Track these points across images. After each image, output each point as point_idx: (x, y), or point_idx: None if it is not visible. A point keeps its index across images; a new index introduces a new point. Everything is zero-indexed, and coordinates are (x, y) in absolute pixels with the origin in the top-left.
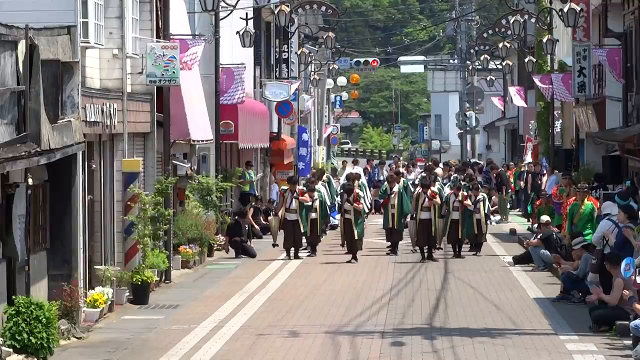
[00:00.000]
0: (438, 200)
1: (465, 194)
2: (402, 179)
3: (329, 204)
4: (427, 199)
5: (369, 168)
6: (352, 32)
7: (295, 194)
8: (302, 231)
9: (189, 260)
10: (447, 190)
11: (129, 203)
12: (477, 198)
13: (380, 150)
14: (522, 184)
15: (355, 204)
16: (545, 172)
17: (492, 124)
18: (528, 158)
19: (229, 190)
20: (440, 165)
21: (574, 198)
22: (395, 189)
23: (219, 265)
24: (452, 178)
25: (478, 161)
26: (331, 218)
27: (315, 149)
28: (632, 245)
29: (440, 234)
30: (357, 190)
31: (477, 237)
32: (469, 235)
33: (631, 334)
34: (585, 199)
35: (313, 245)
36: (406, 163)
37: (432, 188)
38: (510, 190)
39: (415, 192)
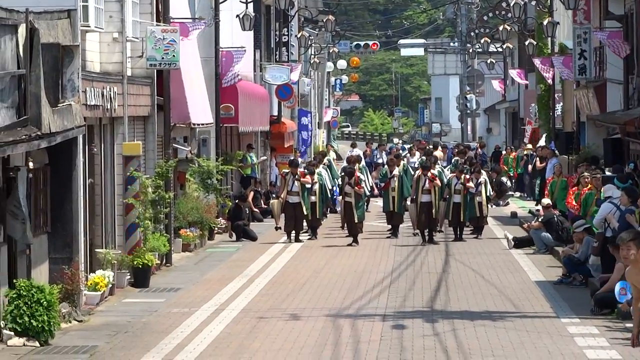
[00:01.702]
0: (438, 182)
1: (467, 176)
2: (402, 162)
3: (329, 187)
4: (427, 182)
5: (368, 151)
6: (352, 15)
7: (297, 176)
8: (305, 213)
9: (189, 243)
10: (447, 174)
11: (130, 202)
12: (479, 181)
13: (380, 133)
14: (529, 167)
15: (356, 188)
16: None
17: (492, 107)
18: (526, 141)
19: (230, 174)
20: (439, 148)
21: (589, 187)
22: (396, 172)
23: (220, 249)
24: (452, 161)
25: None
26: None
27: (316, 132)
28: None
29: (441, 217)
30: (358, 173)
31: (479, 220)
32: (471, 218)
33: (632, 317)
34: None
35: (314, 229)
36: (409, 146)
37: (432, 171)
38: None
39: (416, 175)
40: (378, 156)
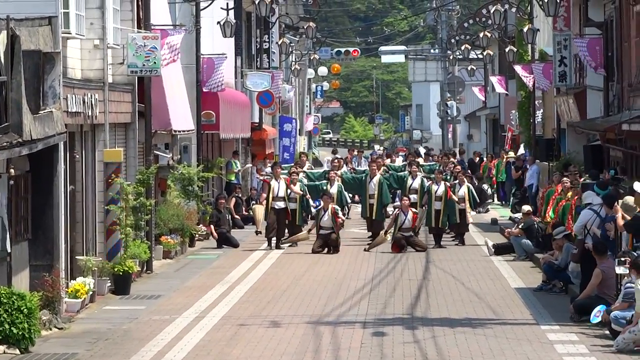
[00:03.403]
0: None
1: (449, 184)
2: (382, 167)
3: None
4: (441, 188)
5: (349, 157)
6: (332, 22)
7: (283, 181)
8: (298, 224)
9: (170, 250)
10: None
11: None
12: (461, 188)
13: (361, 140)
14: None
15: (337, 221)
16: (527, 165)
17: (473, 114)
18: (507, 148)
19: (211, 181)
20: (422, 154)
21: (568, 194)
22: (376, 179)
23: (201, 256)
24: (431, 167)
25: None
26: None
27: (298, 139)
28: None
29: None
30: (331, 205)
31: (460, 227)
32: (451, 224)
33: (612, 324)
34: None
35: (294, 234)
36: (388, 152)
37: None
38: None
39: (429, 183)
40: (356, 163)
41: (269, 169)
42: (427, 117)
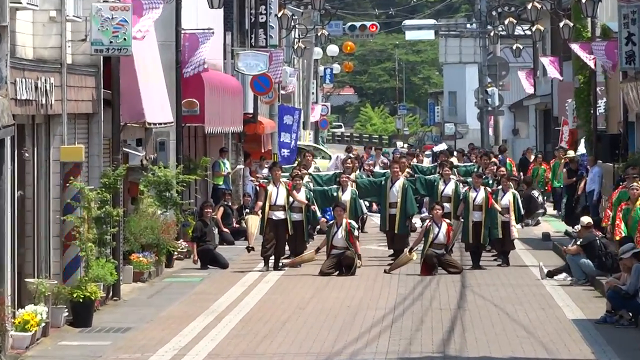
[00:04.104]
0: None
1: (490, 190)
2: (407, 169)
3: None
4: (481, 195)
5: (365, 156)
6: None
7: (284, 186)
8: (290, 233)
9: (142, 271)
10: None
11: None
12: (505, 195)
13: (381, 135)
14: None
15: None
16: (584, 166)
17: (519, 103)
18: (565, 145)
19: (193, 185)
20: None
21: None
22: (398, 184)
23: (181, 279)
24: (468, 168)
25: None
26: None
27: (300, 134)
28: None
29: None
30: (347, 219)
31: (504, 244)
32: (493, 241)
33: None
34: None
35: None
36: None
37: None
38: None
39: (465, 189)
40: (374, 164)
41: (265, 171)
42: (462, 108)
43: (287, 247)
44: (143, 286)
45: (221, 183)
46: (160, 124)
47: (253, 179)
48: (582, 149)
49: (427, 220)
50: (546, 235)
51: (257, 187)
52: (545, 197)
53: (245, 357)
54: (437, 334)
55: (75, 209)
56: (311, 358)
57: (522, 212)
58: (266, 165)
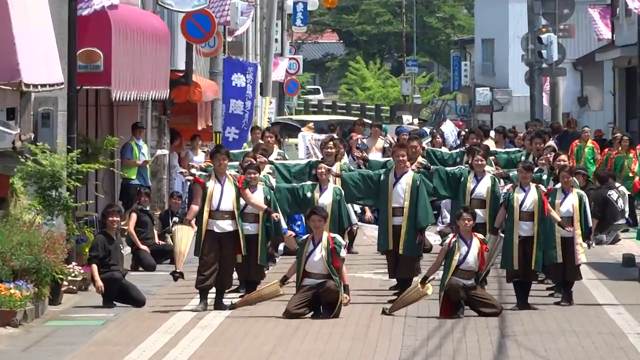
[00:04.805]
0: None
1: (545, 190)
2: (419, 157)
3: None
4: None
5: (355, 136)
6: None
7: (231, 181)
8: (259, 263)
9: (14, 310)
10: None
11: None
12: (566, 198)
13: (378, 104)
14: None
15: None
16: None
17: (589, 58)
18: None
19: (93, 179)
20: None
21: None
22: (406, 179)
23: (73, 321)
24: (511, 156)
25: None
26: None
27: (258, 102)
28: None
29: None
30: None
31: (566, 272)
32: (548, 266)
33: None
34: None
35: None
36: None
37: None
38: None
39: (507, 188)
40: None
41: (201, 159)
42: (502, 64)
43: (235, 275)
44: (15, 333)
45: (134, 177)
46: (44, 86)
47: (184, 170)
48: None
49: (450, 236)
50: (629, 258)
51: (191, 184)
52: (629, 202)
53: None
54: None
55: None
56: None
57: (592, 223)
58: (204, 150)
